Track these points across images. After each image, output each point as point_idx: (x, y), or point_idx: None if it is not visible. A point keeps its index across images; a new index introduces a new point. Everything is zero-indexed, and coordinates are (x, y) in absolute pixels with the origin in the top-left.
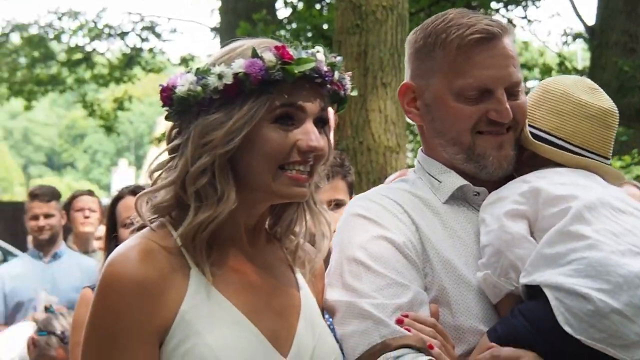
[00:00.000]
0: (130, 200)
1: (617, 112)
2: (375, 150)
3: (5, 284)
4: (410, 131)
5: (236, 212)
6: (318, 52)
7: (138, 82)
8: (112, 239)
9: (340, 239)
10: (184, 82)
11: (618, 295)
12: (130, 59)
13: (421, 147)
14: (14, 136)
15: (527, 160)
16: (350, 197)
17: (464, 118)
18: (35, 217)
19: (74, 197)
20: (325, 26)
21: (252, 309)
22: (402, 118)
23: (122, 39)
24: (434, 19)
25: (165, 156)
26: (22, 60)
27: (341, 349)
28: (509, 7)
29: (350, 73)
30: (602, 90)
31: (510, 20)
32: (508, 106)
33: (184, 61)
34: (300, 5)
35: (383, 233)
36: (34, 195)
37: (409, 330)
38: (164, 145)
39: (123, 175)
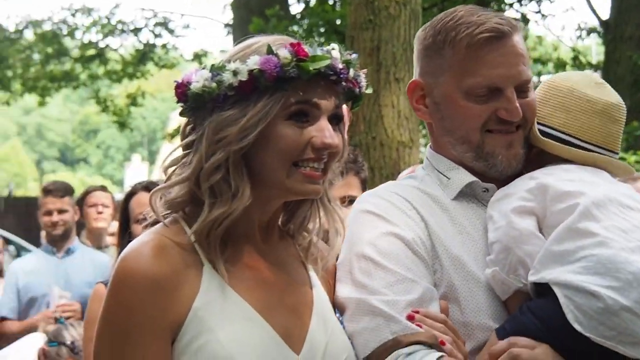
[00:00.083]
0: (143, 196)
1: (624, 106)
2: (388, 145)
3: (18, 279)
4: (423, 126)
5: (250, 208)
6: (333, 49)
7: (151, 77)
8: (125, 235)
9: (349, 236)
10: (198, 78)
11: (628, 293)
12: (144, 55)
13: (430, 144)
14: (28, 132)
15: (535, 157)
16: None
17: (473, 117)
18: (49, 213)
19: (87, 193)
20: (338, 21)
21: (265, 306)
22: (415, 113)
23: (135, 35)
24: (443, 16)
25: (180, 152)
26: (36, 57)
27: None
28: (523, 1)
29: (365, 70)
30: (608, 85)
31: (524, 15)
32: (518, 105)
33: (197, 57)
34: (313, 1)
35: (392, 229)
36: (47, 191)
37: (420, 327)
38: (176, 140)
39: (136, 171)
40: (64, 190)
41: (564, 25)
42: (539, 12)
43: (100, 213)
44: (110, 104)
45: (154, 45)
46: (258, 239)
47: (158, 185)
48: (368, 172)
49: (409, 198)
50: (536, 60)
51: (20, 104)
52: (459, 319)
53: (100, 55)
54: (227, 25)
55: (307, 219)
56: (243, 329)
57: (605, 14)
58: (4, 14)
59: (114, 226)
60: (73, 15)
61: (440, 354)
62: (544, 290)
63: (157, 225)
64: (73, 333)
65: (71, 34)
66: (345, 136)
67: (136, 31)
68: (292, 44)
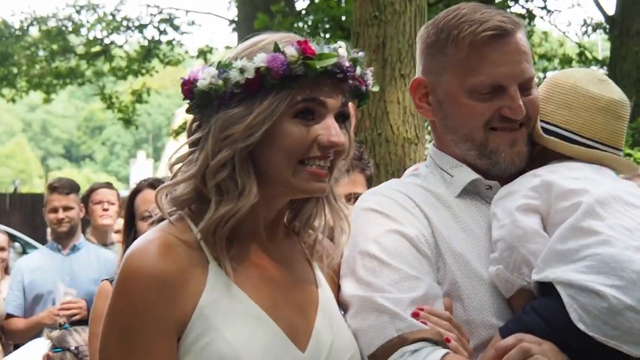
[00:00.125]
0: (148, 193)
1: (628, 102)
2: (393, 141)
3: (24, 276)
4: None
5: (256, 206)
6: (340, 47)
7: (156, 74)
8: (131, 232)
9: (352, 234)
10: (205, 75)
11: (632, 292)
12: (148, 52)
13: (433, 142)
14: (33, 128)
15: (539, 155)
16: None
17: (477, 115)
18: (54, 210)
19: (92, 190)
20: (343, 18)
21: (270, 304)
22: None
23: (140, 31)
24: (446, 13)
25: (185, 149)
26: (41, 53)
27: None
28: None
29: (372, 68)
30: (612, 81)
31: (529, 11)
32: (521, 103)
33: (202, 53)
34: None
35: (395, 227)
36: (53, 188)
37: (425, 324)
38: (181, 137)
39: (141, 167)
40: (70, 187)
41: (570, 21)
42: (544, 7)
43: (105, 210)
44: (115, 101)
45: (159, 42)
46: (264, 236)
47: (163, 182)
48: (373, 169)
49: (412, 195)
50: (542, 56)
51: (25, 100)
52: (462, 316)
53: (105, 52)
54: (232, 21)
55: (312, 216)
56: (249, 327)
57: (611, 10)
58: (9, 11)
59: (120, 223)
60: (78, 12)
61: (446, 350)
62: (547, 289)
63: (163, 223)
64: (77, 338)
65: (76, 30)
66: (352, 134)
67: (141, 28)
68: (299, 42)
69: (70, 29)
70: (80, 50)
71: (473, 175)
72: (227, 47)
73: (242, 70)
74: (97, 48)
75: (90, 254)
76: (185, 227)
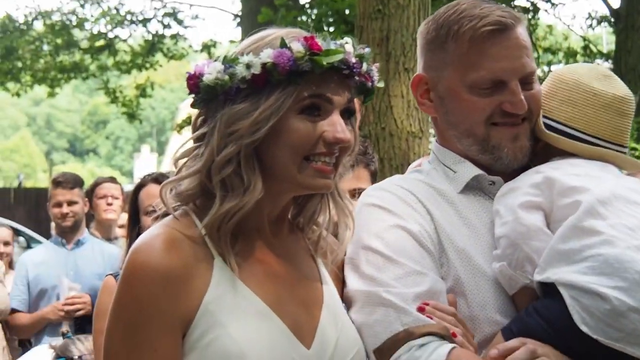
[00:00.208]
0: (152, 188)
1: (632, 98)
2: (397, 135)
3: (28, 271)
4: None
5: (261, 202)
6: (347, 43)
7: (160, 68)
8: (135, 227)
9: (356, 229)
10: (211, 70)
11: (635, 293)
12: (152, 46)
13: (436, 138)
14: (37, 122)
15: (542, 151)
16: None
17: (478, 110)
18: (59, 204)
19: (96, 185)
20: (347, 11)
21: (275, 300)
22: None
23: (144, 25)
24: (446, 9)
25: (190, 144)
26: (45, 48)
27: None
28: None
29: (377, 64)
30: (616, 77)
31: (534, 4)
32: (522, 97)
33: (206, 47)
34: None
35: (398, 222)
36: (57, 183)
37: (431, 319)
38: (185, 131)
39: (145, 162)
40: (74, 181)
41: (575, 14)
42: (549, 1)
43: (109, 204)
44: (119, 95)
45: (163, 36)
46: (268, 232)
47: (167, 177)
48: (378, 163)
49: (415, 191)
50: (546, 50)
51: (29, 95)
52: (465, 312)
53: (110, 46)
54: (236, 15)
55: (317, 212)
56: (254, 323)
57: (617, 3)
58: (14, 5)
59: (124, 218)
60: (82, 6)
61: (453, 345)
62: (550, 289)
63: (167, 218)
64: (80, 347)
65: (80, 25)
66: (357, 130)
67: (145, 22)
68: (305, 38)
69: (74, 23)
70: (85, 44)
71: (476, 171)
72: (231, 41)
73: (248, 66)
74: (101, 42)
75: (95, 249)
76: (190, 222)
